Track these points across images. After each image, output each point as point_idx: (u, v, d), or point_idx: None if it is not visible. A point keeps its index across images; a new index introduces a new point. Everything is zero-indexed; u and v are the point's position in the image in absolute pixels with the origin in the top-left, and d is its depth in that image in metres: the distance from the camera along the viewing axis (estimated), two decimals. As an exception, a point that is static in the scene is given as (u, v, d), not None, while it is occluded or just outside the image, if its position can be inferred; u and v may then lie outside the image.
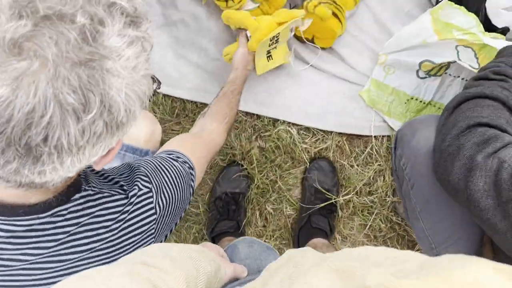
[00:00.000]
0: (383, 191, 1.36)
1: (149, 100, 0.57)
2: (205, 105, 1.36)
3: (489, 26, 1.17)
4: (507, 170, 0.68)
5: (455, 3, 1.12)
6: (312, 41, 1.36)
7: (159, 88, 0.66)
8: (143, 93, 0.51)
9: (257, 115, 1.38)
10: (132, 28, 0.49)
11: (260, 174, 1.36)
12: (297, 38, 1.36)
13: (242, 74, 1.17)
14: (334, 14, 1.27)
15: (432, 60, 1.19)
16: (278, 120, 1.38)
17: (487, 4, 1.13)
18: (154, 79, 0.61)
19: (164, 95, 1.38)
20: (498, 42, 1.02)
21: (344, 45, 1.38)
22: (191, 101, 1.38)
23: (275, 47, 1.24)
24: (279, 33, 1.18)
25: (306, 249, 0.59)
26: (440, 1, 1.19)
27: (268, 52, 1.24)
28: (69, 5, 0.45)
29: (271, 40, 1.19)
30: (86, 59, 0.45)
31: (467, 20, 1.06)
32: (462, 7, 1.06)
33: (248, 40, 1.19)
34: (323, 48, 1.37)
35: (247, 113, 1.39)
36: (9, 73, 0.43)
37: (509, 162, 0.69)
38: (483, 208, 0.71)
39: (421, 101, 1.33)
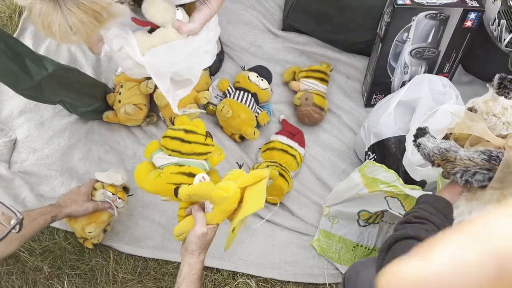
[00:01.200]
0: None
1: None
2: (167, 262, 1.43)
3: (410, 179, 1.40)
4: None
5: (377, 163, 1.36)
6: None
7: (21, 221, 0.61)
8: None
9: (216, 268, 1.45)
10: None
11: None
12: (251, 196, 1.53)
13: (199, 260, 1.01)
14: (281, 175, 1.47)
15: (368, 209, 1.37)
16: (237, 273, 1.44)
17: (403, 163, 1.37)
18: (13, 211, 0.60)
19: (127, 255, 1.44)
20: (416, 192, 1.22)
21: (292, 200, 1.55)
22: (154, 259, 1.44)
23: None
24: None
25: None
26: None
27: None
28: None
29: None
30: None
31: (389, 175, 1.27)
32: (383, 166, 1.29)
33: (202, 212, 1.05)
34: (274, 204, 1.54)
35: (207, 268, 1.45)
36: None
37: None
38: None
39: (366, 248, 1.47)
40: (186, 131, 1.09)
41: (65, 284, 1.38)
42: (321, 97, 1.60)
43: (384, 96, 1.57)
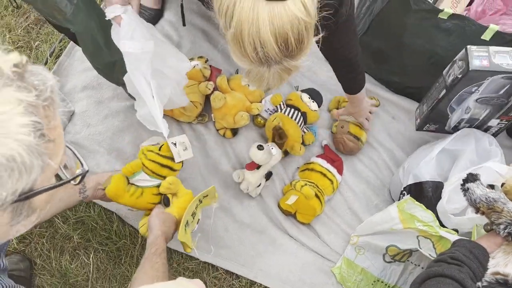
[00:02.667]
0: None
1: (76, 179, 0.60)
2: (191, 258, 1.45)
3: (442, 226, 1.41)
4: None
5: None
6: (294, 215, 1.55)
7: (85, 174, 0.65)
8: (8, 158, 0.49)
9: (236, 274, 1.47)
10: (7, 85, 0.50)
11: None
12: (282, 211, 1.56)
13: (161, 232, 1.15)
14: (316, 196, 1.50)
15: (397, 245, 1.38)
16: (255, 282, 1.46)
17: (437, 209, 1.39)
18: (81, 162, 0.63)
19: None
20: (452, 236, 1.24)
21: (321, 224, 1.58)
22: (178, 252, 1.47)
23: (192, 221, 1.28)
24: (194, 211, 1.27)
25: None
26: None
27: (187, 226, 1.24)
28: None
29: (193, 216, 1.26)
30: None
31: (427, 215, 1.30)
32: (422, 205, 1.32)
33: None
34: (302, 223, 1.56)
35: (227, 271, 1.47)
36: None
37: None
38: None
39: (386, 284, 1.48)
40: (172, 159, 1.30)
41: (91, 258, 1.41)
42: (357, 127, 1.63)
43: (437, 128, 1.60)
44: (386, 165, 1.69)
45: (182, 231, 1.16)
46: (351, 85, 1.49)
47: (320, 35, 0.95)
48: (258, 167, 1.48)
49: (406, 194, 1.51)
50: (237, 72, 1.70)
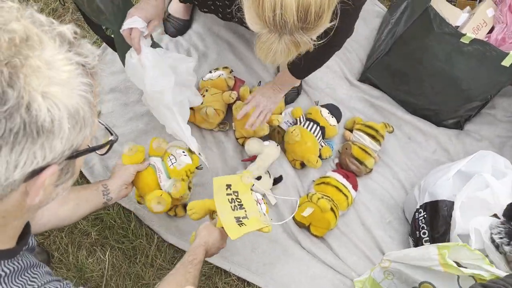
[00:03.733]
0: None
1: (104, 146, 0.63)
2: (204, 262, 1.47)
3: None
4: None
5: (426, 222, 1.42)
6: (308, 228, 1.57)
7: (115, 140, 0.69)
8: (75, 110, 0.52)
9: (247, 282, 1.48)
10: (68, 50, 0.53)
11: None
12: (296, 222, 1.58)
13: (204, 242, 1.17)
14: (332, 210, 1.52)
15: (434, 284, 1.29)
16: (266, 291, 1.47)
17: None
18: (110, 132, 0.66)
19: (169, 244, 1.49)
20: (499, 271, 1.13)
21: (334, 238, 1.59)
22: (192, 255, 1.49)
23: (246, 216, 1.26)
24: (240, 199, 1.29)
25: None
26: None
27: (239, 220, 1.24)
28: (10, 15, 0.50)
29: (232, 202, 1.26)
30: (10, 56, 0.47)
31: (473, 256, 1.17)
32: (466, 244, 1.18)
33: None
34: (316, 236, 1.58)
35: (239, 278, 1.48)
36: None
37: None
38: None
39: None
40: None
41: (107, 255, 1.44)
42: (362, 151, 1.65)
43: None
44: (401, 184, 1.71)
45: (232, 231, 1.17)
46: (304, 66, 1.31)
47: (335, 22, 0.94)
48: (253, 160, 1.55)
49: (422, 212, 1.51)
50: (259, 84, 1.75)
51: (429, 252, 1.23)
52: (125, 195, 1.28)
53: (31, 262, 0.65)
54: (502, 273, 1.10)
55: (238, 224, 1.21)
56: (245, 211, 1.26)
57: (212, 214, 1.33)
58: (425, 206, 1.50)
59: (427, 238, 1.48)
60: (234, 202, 1.26)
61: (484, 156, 1.52)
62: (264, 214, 1.31)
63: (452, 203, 1.46)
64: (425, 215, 1.50)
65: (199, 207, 1.33)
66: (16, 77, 0.47)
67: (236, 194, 1.29)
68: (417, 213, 1.53)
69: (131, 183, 1.30)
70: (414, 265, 1.29)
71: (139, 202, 1.42)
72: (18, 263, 0.62)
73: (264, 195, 1.45)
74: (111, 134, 0.66)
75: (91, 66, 0.55)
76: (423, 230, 1.49)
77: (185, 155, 1.38)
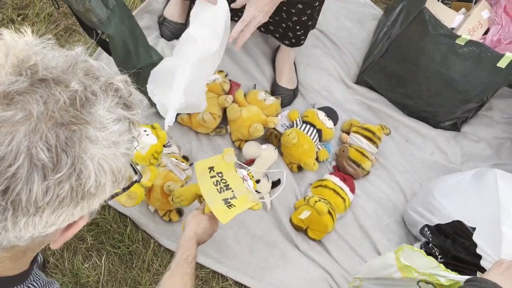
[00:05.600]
0: None
1: (126, 188, 0.59)
2: (201, 266, 1.46)
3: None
4: None
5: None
6: (305, 231, 1.56)
7: (139, 181, 0.66)
8: (118, 170, 0.51)
9: (245, 286, 1.47)
10: (122, 108, 0.51)
11: None
12: (294, 226, 1.57)
13: (193, 234, 1.12)
14: (329, 213, 1.51)
15: None
16: (264, 295, 1.46)
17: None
18: (135, 171, 0.63)
19: (166, 249, 1.48)
20: (458, 277, 1.10)
21: (331, 241, 1.58)
22: (189, 260, 1.48)
23: (234, 196, 1.20)
24: (225, 179, 1.21)
25: None
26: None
27: (227, 201, 1.18)
28: (68, 74, 0.48)
29: (217, 185, 1.19)
30: (69, 121, 0.46)
31: (427, 261, 1.14)
32: (422, 251, 1.16)
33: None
34: (313, 239, 1.57)
35: (236, 282, 1.47)
36: None
37: None
38: None
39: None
40: None
41: (103, 260, 1.43)
42: (359, 153, 1.64)
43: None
44: (398, 186, 1.70)
45: (222, 215, 1.12)
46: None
47: None
48: (251, 164, 1.54)
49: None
50: (254, 87, 1.74)
51: (388, 258, 1.22)
52: None
53: (43, 282, 0.65)
54: (461, 278, 1.09)
55: (227, 206, 1.15)
56: (232, 191, 1.19)
57: (200, 198, 1.29)
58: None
59: None
60: (220, 184, 1.19)
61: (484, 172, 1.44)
62: (252, 192, 1.24)
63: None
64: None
65: (186, 193, 1.31)
66: (71, 143, 0.46)
67: (220, 175, 1.21)
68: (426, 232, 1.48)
69: None
70: (379, 278, 1.28)
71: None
72: (32, 284, 0.61)
73: (248, 170, 1.36)
74: (135, 174, 0.64)
75: (137, 119, 0.54)
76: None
77: (147, 135, 1.28)
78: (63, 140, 0.45)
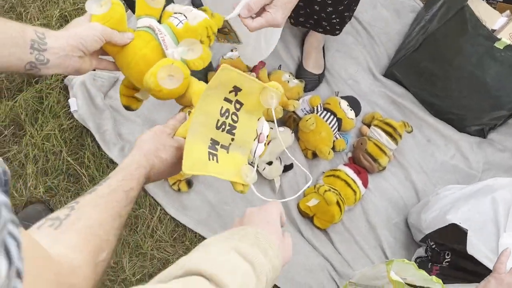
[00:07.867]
0: None
1: None
2: (204, 238, 1.47)
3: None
4: None
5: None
6: (311, 219, 1.55)
7: None
8: None
9: (244, 265, 1.48)
10: None
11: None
12: (300, 212, 1.56)
13: (148, 164, 0.73)
14: (338, 203, 1.50)
15: None
16: (262, 276, 1.46)
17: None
18: None
19: (171, 218, 1.50)
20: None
21: (336, 232, 1.57)
22: (192, 231, 1.49)
23: (227, 147, 0.80)
24: (238, 117, 0.79)
25: None
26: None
27: (213, 147, 0.77)
28: None
29: (223, 115, 0.77)
30: None
31: (419, 274, 1.10)
32: (414, 263, 1.10)
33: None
34: (318, 228, 1.56)
35: (236, 260, 1.48)
36: None
37: None
38: None
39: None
40: None
41: (109, 220, 1.45)
42: (378, 148, 1.60)
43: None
44: (412, 186, 1.67)
45: (191, 160, 0.71)
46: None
47: None
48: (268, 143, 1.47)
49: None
50: (279, 67, 1.71)
51: (380, 270, 1.18)
52: (73, 69, 0.77)
53: None
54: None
55: (209, 154, 0.75)
56: (232, 139, 0.80)
57: (187, 108, 0.92)
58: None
59: None
60: (228, 118, 0.77)
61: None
62: (253, 160, 0.85)
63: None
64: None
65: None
66: None
67: (239, 106, 0.78)
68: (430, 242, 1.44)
69: (96, 54, 0.81)
70: (374, 286, 1.24)
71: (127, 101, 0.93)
72: None
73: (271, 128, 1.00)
74: None
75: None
76: None
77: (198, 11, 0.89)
78: None
